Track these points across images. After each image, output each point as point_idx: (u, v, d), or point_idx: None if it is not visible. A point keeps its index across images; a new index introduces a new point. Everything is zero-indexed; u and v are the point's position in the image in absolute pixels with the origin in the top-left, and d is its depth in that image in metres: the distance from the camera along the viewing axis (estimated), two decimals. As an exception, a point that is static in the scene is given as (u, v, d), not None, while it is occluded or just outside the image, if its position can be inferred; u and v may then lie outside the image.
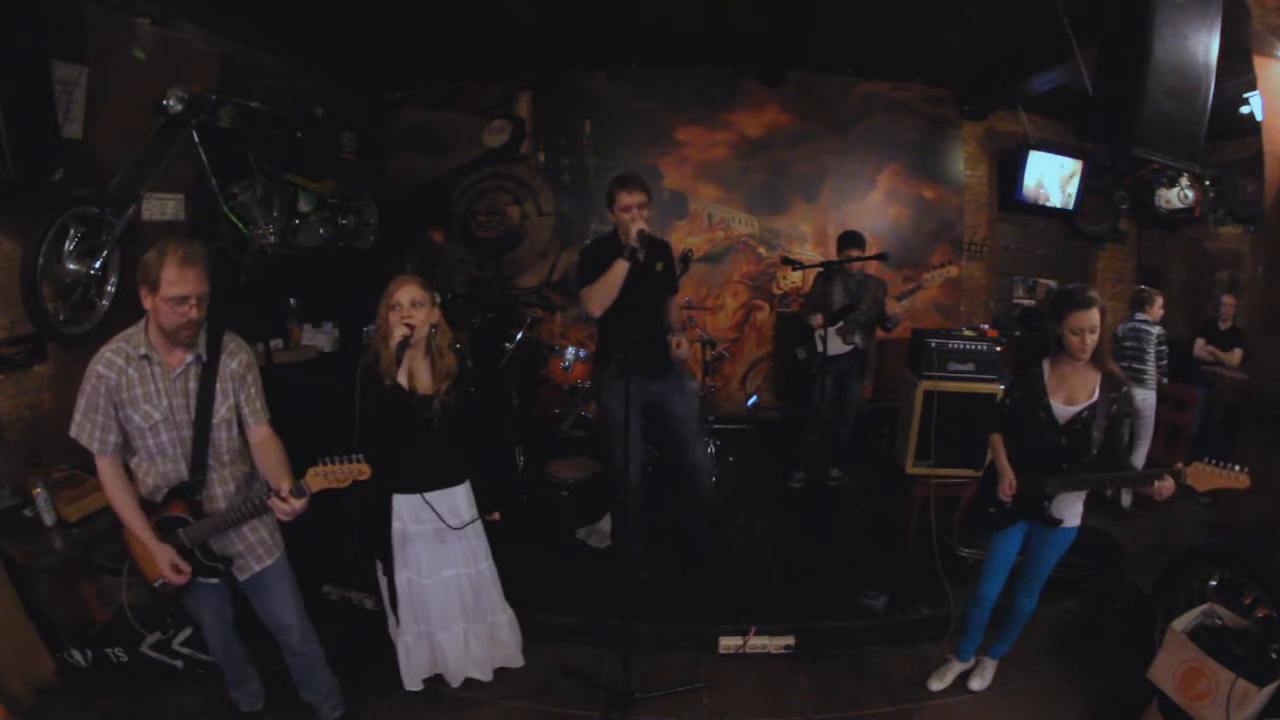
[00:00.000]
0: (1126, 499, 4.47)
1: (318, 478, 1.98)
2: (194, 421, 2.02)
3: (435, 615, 2.62)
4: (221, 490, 2.12)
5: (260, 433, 2.14)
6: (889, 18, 4.47)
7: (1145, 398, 4.53)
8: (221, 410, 2.06)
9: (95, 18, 3.00)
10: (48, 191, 2.69)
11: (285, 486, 2.00)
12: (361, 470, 1.99)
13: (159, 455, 2.04)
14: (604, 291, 3.02)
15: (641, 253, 2.94)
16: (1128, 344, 4.62)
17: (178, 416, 2.02)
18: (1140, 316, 4.65)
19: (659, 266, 3.23)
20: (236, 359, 2.09)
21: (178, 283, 1.89)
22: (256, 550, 2.21)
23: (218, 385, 2.04)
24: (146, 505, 2.06)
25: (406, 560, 2.56)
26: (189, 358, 2.02)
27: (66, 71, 2.82)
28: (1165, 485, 2.23)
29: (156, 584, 2.12)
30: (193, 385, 2.02)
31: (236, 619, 2.37)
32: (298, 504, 1.99)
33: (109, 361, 1.96)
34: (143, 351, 1.98)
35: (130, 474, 2.09)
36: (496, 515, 2.69)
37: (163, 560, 2.02)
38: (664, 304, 3.35)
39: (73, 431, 2.00)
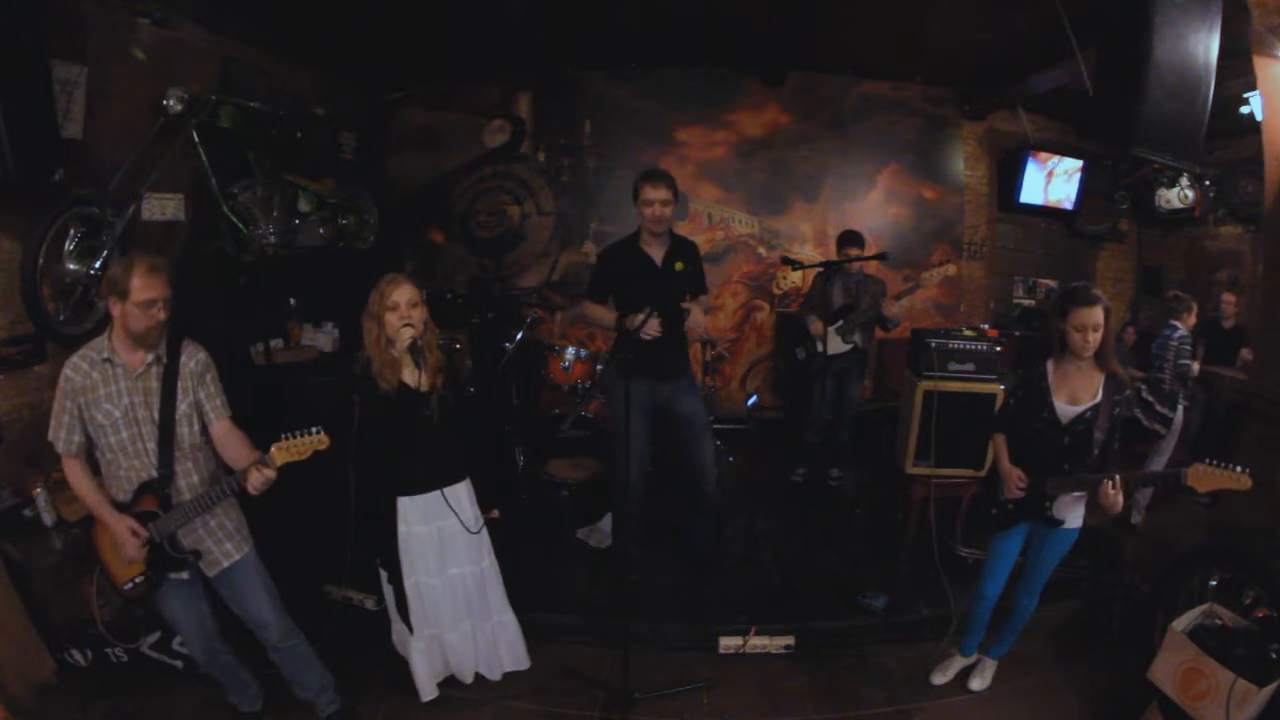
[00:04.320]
0: (1137, 516, 4.32)
1: (281, 451, 2.08)
2: (158, 419, 2.14)
3: (445, 615, 2.61)
4: (187, 483, 2.21)
5: (222, 427, 2.26)
6: (889, 18, 4.47)
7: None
8: (182, 406, 2.18)
9: (95, 18, 3.00)
10: (48, 191, 2.69)
11: (254, 459, 2.12)
12: (321, 441, 2.10)
13: (121, 453, 2.14)
14: (591, 323, 2.96)
15: (639, 332, 2.75)
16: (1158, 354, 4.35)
17: (138, 414, 2.13)
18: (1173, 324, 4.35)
19: (679, 266, 3.13)
20: (195, 359, 2.22)
21: (146, 289, 2.05)
22: (219, 537, 2.27)
23: (178, 384, 2.17)
24: (120, 507, 2.15)
25: (414, 564, 2.54)
26: (149, 358, 2.14)
27: (66, 71, 2.81)
28: (1114, 500, 2.27)
29: (126, 587, 2.20)
30: (154, 384, 2.15)
31: (220, 628, 2.37)
32: (270, 472, 2.10)
33: (75, 365, 2.12)
34: (105, 355, 2.12)
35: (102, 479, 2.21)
36: (496, 513, 2.69)
37: (121, 529, 2.09)
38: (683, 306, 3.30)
39: (49, 435, 2.15)
